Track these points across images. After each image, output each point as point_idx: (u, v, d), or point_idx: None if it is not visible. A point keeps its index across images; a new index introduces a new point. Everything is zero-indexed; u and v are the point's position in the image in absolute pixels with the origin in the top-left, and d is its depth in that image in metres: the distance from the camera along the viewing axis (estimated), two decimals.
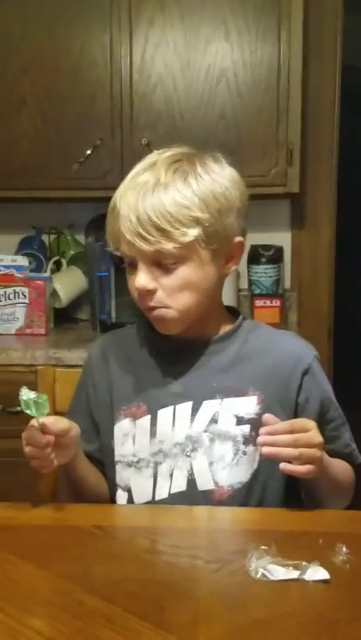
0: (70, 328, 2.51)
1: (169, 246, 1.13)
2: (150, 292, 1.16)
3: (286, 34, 2.23)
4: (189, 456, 1.21)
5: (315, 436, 1.11)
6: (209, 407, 1.22)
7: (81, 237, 2.55)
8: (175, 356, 1.25)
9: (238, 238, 1.21)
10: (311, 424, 1.12)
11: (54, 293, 2.44)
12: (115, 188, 2.41)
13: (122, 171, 2.27)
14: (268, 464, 1.19)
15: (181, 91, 2.27)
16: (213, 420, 1.21)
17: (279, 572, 0.94)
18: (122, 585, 0.95)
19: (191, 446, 1.21)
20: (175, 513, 1.18)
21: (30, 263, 2.47)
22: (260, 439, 1.10)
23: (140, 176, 1.16)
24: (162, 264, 1.15)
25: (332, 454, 1.23)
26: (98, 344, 1.37)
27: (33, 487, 1.44)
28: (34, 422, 1.12)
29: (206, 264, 1.18)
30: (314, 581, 0.93)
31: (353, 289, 3.80)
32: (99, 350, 1.34)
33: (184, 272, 1.16)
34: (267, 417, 1.13)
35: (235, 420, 1.21)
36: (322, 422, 1.23)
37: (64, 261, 2.57)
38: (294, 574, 0.94)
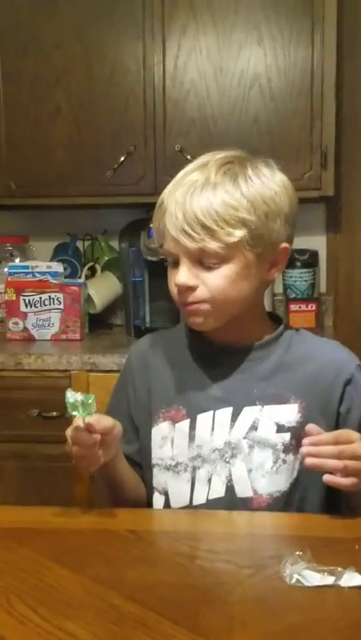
0: (105, 333, 2.53)
1: (213, 245, 1.13)
2: (191, 289, 1.16)
3: (320, 37, 2.22)
4: (228, 462, 1.20)
5: (360, 448, 1.09)
6: (249, 413, 1.21)
7: (115, 243, 2.56)
8: (217, 360, 1.25)
9: (284, 244, 1.20)
10: (356, 435, 1.10)
11: (89, 299, 2.46)
12: (148, 195, 2.44)
13: (155, 177, 2.30)
14: (307, 473, 1.18)
15: (214, 97, 2.27)
16: (253, 427, 1.20)
17: (314, 578, 0.93)
18: (156, 589, 0.95)
19: (230, 452, 1.20)
20: (209, 518, 1.18)
21: (65, 269, 2.49)
22: (304, 449, 1.09)
23: (189, 175, 1.17)
24: (204, 263, 1.15)
25: None
26: (139, 345, 1.36)
27: (68, 491, 1.45)
28: (79, 422, 1.11)
29: (249, 267, 1.17)
30: (349, 587, 0.92)
31: None
32: (140, 351, 1.34)
33: (226, 271, 1.15)
34: (310, 427, 1.12)
35: (275, 427, 1.20)
36: None
37: (98, 267, 2.60)
38: (329, 580, 0.93)
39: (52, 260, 2.57)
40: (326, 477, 1.09)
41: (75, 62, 2.32)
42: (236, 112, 2.27)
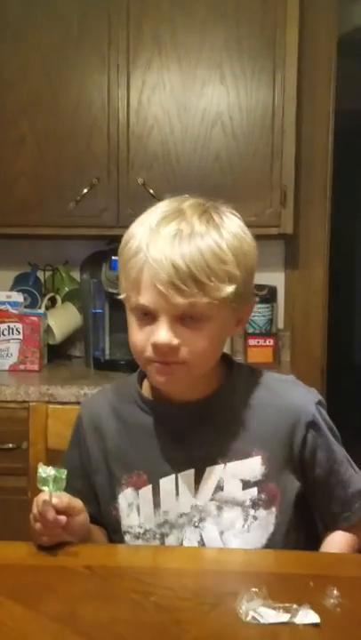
0: (64, 365, 2.52)
1: (204, 300, 1.06)
2: (173, 349, 1.07)
3: (281, 78, 2.28)
4: (198, 526, 1.17)
5: None
6: (213, 473, 1.16)
7: (76, 274, 2.57)
8: (173, 419, 1.19)
9: (252, 300, 1.18)
10: None
11: (48, 330, 2.45)
12: (110, 227, 2.45)
13: (118, 210, 2.31)
14: (282, 528, 1.17)
15: (177, 133, 2.31)
16: (219, 488, 1.16)
17: (269, 615, 0.93)
18: (111, 627, 0.94)
19: (198, 516, 1.17)
20: (166, 554, 1.17)
21: (25, 299, 2.48)
22: None
23: (168, 223, 1.08)
24: (186, 320, 1.08)
25: (335, 510, 1.20)
26: (88, 405, 1.29)
27: (22, 525, 1.42)
28: (46, 497, 1.09)
29: (226, 323, 1.12)
30: (304, 625, 0.92)
31: (345, 328, 3.83)
32: (90, 414, 1.26)
33: (209, 330, 1.09)
34: None
35: (240, 484, 1.16)
36: (329, 474, 1.20)
37: (59, 298, 2.59)
38: (285, 617, 0.93)
39: (11, 289, 2.55)
40: None
41: (40, 93, 2.34)
42: (199, 149, 2.31)
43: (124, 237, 1.13)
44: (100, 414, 1.25)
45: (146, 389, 1.23)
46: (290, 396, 1.21)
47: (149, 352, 1.09)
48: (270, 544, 1.17)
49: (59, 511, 1.09)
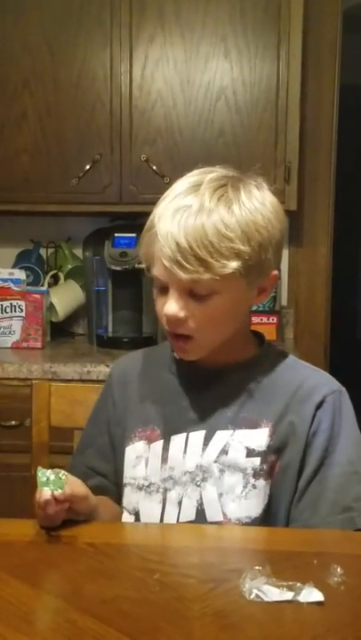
0: (67, 342, 2.51)
1: (207, 277, 1.08)
2: (181, 321, 1.12)
3: (285, 52, 2.25)
4: (199, 486, 1.19)
5: None
6: (221, 437, 1.19)
7: (79, 251, 2.55)
8: (195, 382, 1.23)
9: (274, 272, 1.18)
10: None
11: (51, 307, 2.44)
12: (114, 204, 2.44)
13: (120, 186, 2.29)
14: (278, 501, 1.17)
15: (181, 107, 2.28)
16: (224, 451, 1.18)
17: (273, 593, 0.93)
18: (114, 604, 0.94)
19: (201, 476, 1.19)
20: (169, 531, 1.17)
21: (28, 277, 2.47)
22: None
23: (182, 198, 1.10)
24: (195, 293, 1.11)
25: (301, 506, 1.17)
26: (122, 361, 1.35)
27: (26, 502, 1.43)
28: (48, 495, 1.08)
29: (240, 295, 1.14)
30: (308, 603, 0.92)
31: (349, 306, 3.82)
32: (121, 368, 1.33)
33: (217, 303, 1.12)
34: None
35: (245, 451, 1.18)
36: (319, 467, 1.18)
37: (62, 275, 2.58)
38: (288, 596, 0.93)
39: (14, 266, 2.54)
40: None
41: (42, 67, 2.31)
42: (202, 123, 2.29)
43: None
44: (129, 369, 1.31)
45: None
46: (308, 378, 1.22)
47: (164, 322, 1.15)
48: (266, 516, 1.17)
49: (59, 502, 1.08)
